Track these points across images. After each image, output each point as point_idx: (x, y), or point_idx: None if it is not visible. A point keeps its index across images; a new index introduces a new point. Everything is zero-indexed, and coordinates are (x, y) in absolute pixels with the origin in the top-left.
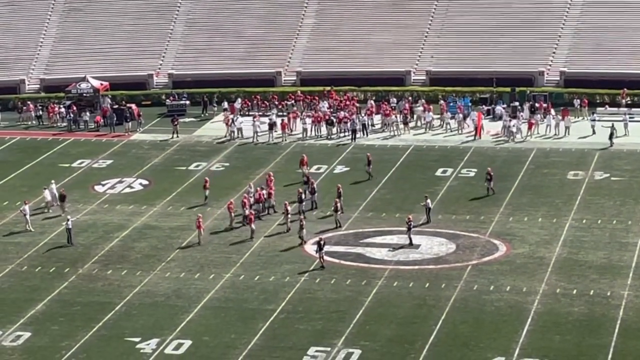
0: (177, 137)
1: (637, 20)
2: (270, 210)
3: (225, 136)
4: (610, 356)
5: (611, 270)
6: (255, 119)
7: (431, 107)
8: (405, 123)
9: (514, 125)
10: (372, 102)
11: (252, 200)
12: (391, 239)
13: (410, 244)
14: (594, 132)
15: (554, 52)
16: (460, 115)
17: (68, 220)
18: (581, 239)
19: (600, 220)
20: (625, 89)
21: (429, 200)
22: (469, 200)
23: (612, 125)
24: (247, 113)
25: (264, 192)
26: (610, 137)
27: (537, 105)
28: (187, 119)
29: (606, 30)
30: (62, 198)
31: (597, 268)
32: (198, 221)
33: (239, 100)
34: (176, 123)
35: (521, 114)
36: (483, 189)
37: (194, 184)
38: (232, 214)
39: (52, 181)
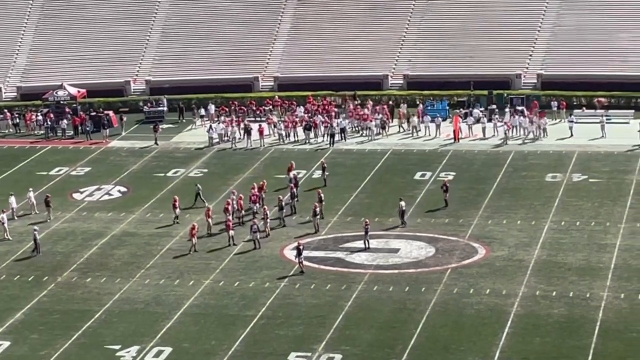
0: (157, 144)
1: (612, 23)
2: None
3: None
4: (590, 357)
5: (590, 272)
6: (227, 125)
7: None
8: (384, 127)
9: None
10: (352, 104)
11: (235, 206)
12: (370, 243)
13: (367, 248)
14: (571, 134)
15: (530, 55)
16: (440, 120)
17: (35, 230)
18: (560, 241)
19: (578, 222)
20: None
21: (402, 203)
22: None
23: None
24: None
25: (256, 196)
26: None
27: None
28: (164, 125)
29: (582, 32)
30: (47, 203)
31: (576, 270)
32: (192, 230)
33: (212, 106)
34: (158, 130)
35: (496, 116)
36: (463, 191)
37: (172, 190)
38: (211, 221)
39: (30, 189)
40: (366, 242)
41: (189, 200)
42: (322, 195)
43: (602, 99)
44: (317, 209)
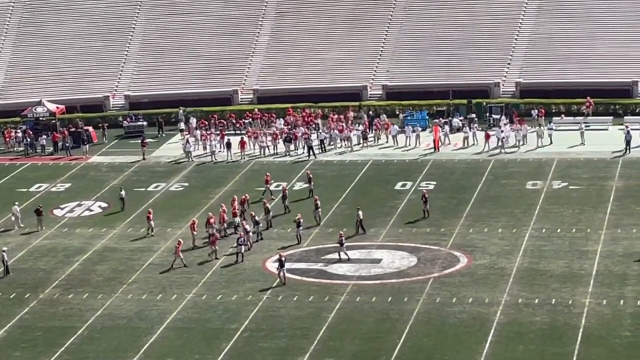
0: (145, 159)
1: (589, 30)
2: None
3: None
4: None
5: (572, 279)
6: (204, 139)
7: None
8: (365, 138)
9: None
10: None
11: (211, 220)
12: (353, 254)
13: (340, 260)
14: (551, 142)
15: (508, 64)
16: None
17: (3, 250)
18: (541, 248)
19: (559, 229)
20: (589, 97)
21: (360, 212)
22: (430, 213)
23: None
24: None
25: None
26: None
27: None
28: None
29: (559, 40)
30: (39, 213)
31: (558, 277)
32: (177, 247)
33: (194, 120)
34: (145, 145)
35: (475, 125)
36: (444, 201)
37: (153, 204)
38: (195, 234)
39: (16, 202)
40: (340, 254)
41: (169, 214)
42: (319, 202)
43: (590, 102)
44: (301, 220)
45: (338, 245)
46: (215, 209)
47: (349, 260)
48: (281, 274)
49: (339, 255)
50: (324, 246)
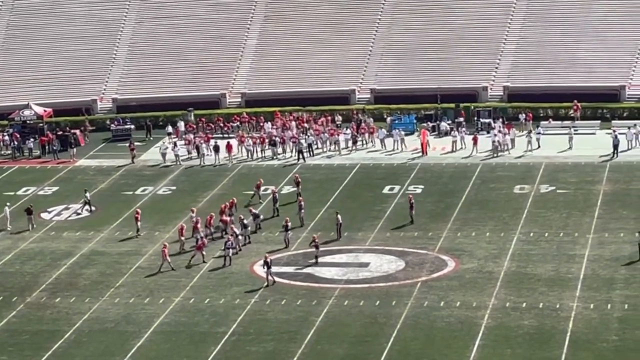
0: (134, 162)
1: (577, 35)
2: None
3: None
4: None
5: (559, 283)
6: (187, 143)
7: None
8: (354, 142)
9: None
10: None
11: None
12: (341, 258)
13: (316, 263)
14: (539, 146)
15: (496, 68)
16: (402, 133)
17: None
18: (529, 252)
19: (547, 233)
20: (576, 101)
21: (339, 216)
22: (417, 217)
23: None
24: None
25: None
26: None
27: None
28: (137, 143)
29: (547, 44)
30: (30, 212)
31: (546, 281)
32: (163, 251)
33: (182, 123)
34: (133, 148)
35: (463, 128)
36: (431, 204)
37: (140, 208)
38: (183, 238)
39: (8, 203)
40: (317, 258)
41: (157, 218)
42: (303, 203)
43: (577, 106)
44: (289, 224)
45: (314, 248)
46: (203, 212)
47: (316, 264)
48: (269, 276)
49: (316, 258)
50: (311, 250)
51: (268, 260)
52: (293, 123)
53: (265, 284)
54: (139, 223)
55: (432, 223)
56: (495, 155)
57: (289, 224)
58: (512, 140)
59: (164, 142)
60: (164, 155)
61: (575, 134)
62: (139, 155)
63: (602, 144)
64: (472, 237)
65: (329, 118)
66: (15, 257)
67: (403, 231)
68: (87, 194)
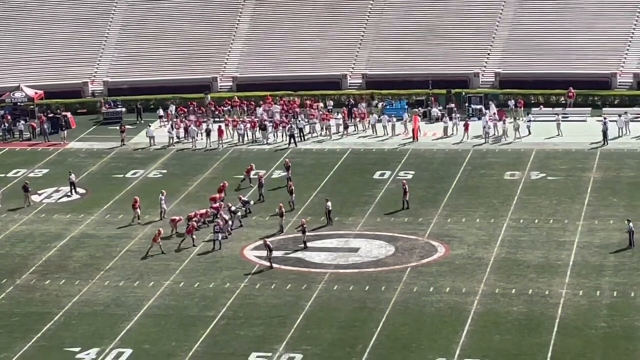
0: (124, 144)
1: (569, 22)
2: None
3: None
4: (550, 355)
5: (549, 270)
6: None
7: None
8: (346, 127)
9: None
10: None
11: (165, 208)
12: (331, 243)
13: (305, 248)
14: (529, 133)
15: (488, 54)
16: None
17: None
18: (519, 239)
19: (537, 220)
20: (571, 88)
21: (329, 203)
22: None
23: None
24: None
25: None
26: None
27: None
28: (129, 126)
29: (540, 31)
30: (26, 189)
31: (536, 267)
32: (157, 234)
33: (173, 107)
34: (123, 130)
35: (457, 115)
36: (422, 190)
37: (131, 192)
38: (175, 224)
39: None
40: (305, 242)
41: (148, 201)
42: (294, 188)
43: (572, 93)
44: (283, 210)
45: (301, 233)
46: (194, 196)
47: (305, 249)
48: (270, 261)
49: (304, 243)
50: (301, 235)
51: (269, 244)
52: (278, 107)
53: (269, 265)
54: (138, 211)
55: (422, 209)
56: (486, 140)
57: (284, 210)
58: (505, 131)
59: (150, 126)
60: (152, 138)
61: (564, 121)
62: (129, 139)
63: (593, 131)
64: (462, 223)
65: (318, 104)
66: (6, 240)
67: (394, 217)
68: (72, 176)
